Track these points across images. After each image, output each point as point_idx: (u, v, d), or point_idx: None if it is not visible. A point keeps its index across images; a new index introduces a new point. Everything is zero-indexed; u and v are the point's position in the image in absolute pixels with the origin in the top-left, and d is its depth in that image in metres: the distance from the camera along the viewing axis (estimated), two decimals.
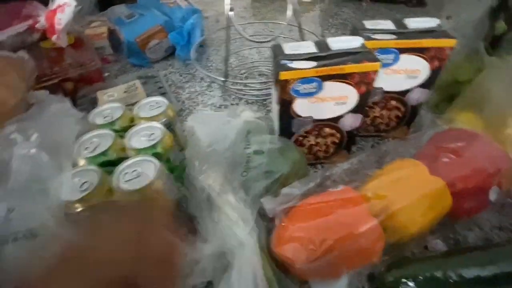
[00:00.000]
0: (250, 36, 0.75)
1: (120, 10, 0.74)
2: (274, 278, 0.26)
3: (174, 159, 0.37)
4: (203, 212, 0.28)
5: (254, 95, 0.61)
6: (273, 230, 0.29)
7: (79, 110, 0.52)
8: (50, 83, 0.55)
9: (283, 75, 0.31)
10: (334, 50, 0.33)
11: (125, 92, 0.56)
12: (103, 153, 0.33)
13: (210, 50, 0.73)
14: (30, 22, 0.61)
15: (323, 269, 0.26)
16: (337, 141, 0.40)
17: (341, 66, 0.31)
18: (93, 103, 0.53)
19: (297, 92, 0.33)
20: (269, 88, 0.62)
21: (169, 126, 0.38)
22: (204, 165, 0.29)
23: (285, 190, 0.32)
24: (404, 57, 0.37)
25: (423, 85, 0.40)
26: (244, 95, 0.61)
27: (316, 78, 0.32)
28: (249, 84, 0.63)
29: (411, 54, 0.37)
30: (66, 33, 0.60)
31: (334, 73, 0.32)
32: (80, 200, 0.29)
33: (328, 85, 0.33)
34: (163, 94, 0.55)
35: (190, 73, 0.69)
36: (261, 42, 0.65)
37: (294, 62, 0.32)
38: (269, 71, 0.68)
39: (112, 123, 0.37)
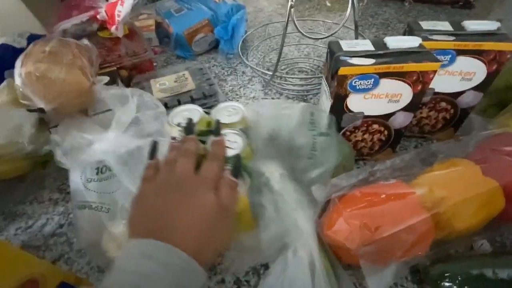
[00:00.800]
0: (292, 33, 0.76)
1: (169, 4, 0.78)
2: (329, 264, 0.28)
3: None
4: (264, 198, 0.30)
5: (295, 90, 0.62)
6: (324, 215, 0.31)
7: None
8: (108, 70, 0.60)
9: (343, 70, 0.33)
10: (392, 49, 0.34)
11: (175, 81, 0.59)
12: None
13: (251, 46, 0.76)
14: (91, 13, 0.67)
15: (373, 255, 0.27)
16: (383, 138, 0.41)
17: (401, 65, 0.32)
18: (147, 90, 0.58)
19: (353, 87, 0.34)
20: (310, 84, 0.63)
21: (245, 132, 0.37)
22: (266, 150, 0.31)
23: (334, 181, 0.34)
24: (461, 59, 0.37)
25: (477, 88, 0.40)
26: (285, 90, 0.62)
27: (373, 75, 0.33)
28: (290, 79, 0.65)
29: (469, 56, 0.37)
30: (123, 25, 0.65)
31: (393, 71, 0.33)
32: None
33: (384, 82, 0.34)
34: (210, 85, 0.58)
35: (232, 67, 0.72)
36: (317, 39, 0.65)
37: (353, 58, 0.33)
38: (309, 68, 0.69)
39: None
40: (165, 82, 0.59)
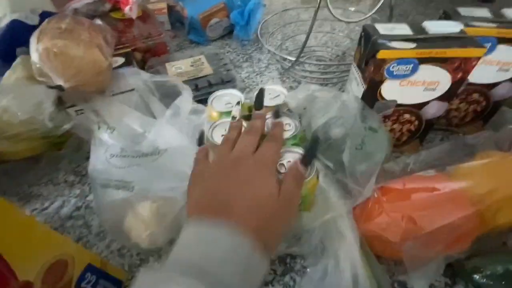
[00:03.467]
0: (306, 21, 0.74)
1: None
2: (370, 271, 0.26)
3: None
4: None
5: (314, 78, 0.60)
6: (361, 207, 0.30)
7: None
8: (123, 51, 0.58)
9: (382, 54, 0.31)
10: (432, 34, 0.33)
11: (191, 65, 0.58)
12: None
13: (266, 33, 0.74)
14: None
15: (415, 249, 0.26)
16: (413, 129, 0.40)
17: (444, 50, 0.30)
18: (162, 74, 0.56)
19: (390, 73, 0.32)
20: (330, 72, 0.61)
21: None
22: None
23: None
24: (501, 47, 0.35)
25: None
26: (304, 78, 0.61)
27: (413, 60, 0.31)
28: (309, 67, 0.63)
29: (510, 45, 0.35)
30: (137, 6, 0.63)
31: (435, 56, 0.31)
32: None
33: (423, 68, 0.32)
34: (228, 71, 0.56)
35: (247, 53, 0.70)
36: (350, 22, 0.63)
37: (393, 42, 0.31)
38: (327, 57, 0.67)
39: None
40: (181, 66, 0.57)
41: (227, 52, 0.71)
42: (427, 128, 0.40)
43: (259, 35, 0.64)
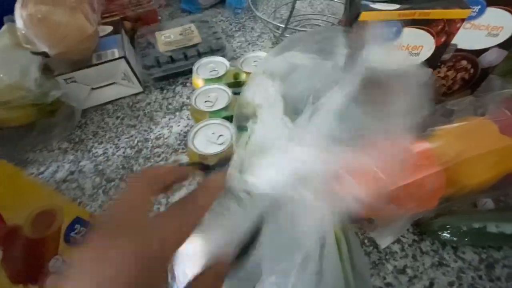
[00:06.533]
0: None
1: None
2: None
3: None
4: None
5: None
6: None
7: (140, 49, 0.54)
8: (110, 20, 0.57)
9: (364, 16, 0.30)
10: None
11: (180, 34, 0.57)
12: (224, 108, 0.35)
13: (260, 0, 0.71)
14: None
15: (386, 206, 0.28)
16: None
17: (427, 11, 0.30)
18: (151, 43, 0.55)
19: (373, 36, 0.32)
20: None
21: None
22: None
23: None
24: (490, 10, 0.34)
25: (502, 45, 0.37)
26: None
27: (396, 22, 0.31)
28: None
29: (500, 8, 0.34)
30: None
31: (418, 18, 0.30)
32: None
33: (407, 32, 0.32)
34: (217, 39, 0.55)
35: (240, 22, 0.68)
36: None
37: (376, 3, 0.31)
38: (323, 25, 0.65)
39: (219, 78, 0.39)
40: (170, 35, 0.56)
41: (220, 21, 0.69)
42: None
43: (250, 3, 0.62)
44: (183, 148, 0.43)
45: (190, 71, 0.54)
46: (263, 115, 0.23)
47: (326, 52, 0.32)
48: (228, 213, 0.19)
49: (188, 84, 0.54)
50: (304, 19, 0.67)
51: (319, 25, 0.65)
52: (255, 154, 0.21)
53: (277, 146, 0.21)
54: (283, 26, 0.53)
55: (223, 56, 0.53)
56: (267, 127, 0.22)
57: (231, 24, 0.68)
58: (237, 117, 0.27)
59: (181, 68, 0.52)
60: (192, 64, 0.52)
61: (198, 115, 0.36)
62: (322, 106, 0.23)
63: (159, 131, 0.46)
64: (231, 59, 0.58)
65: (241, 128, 0.26)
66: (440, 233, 0.31)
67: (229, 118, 0.34)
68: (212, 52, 0.53)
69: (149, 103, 0.50)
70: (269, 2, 0.72)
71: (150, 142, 0.44)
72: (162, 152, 0.42)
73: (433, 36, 0.32)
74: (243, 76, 0.41)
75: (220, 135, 0.32)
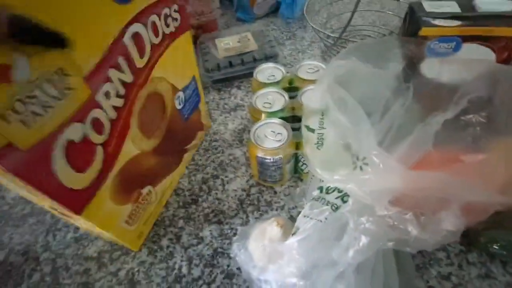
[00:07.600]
0: None
1: None
2: None
3: None
4: None
5: None
6: None
7: (202, 54, 0.61)
8: None
9: (425, 31, 0.32)
10: (480, 12, 0.33)
11: (238, 42, 0.62)
12: (281, 110, 0.39)
13: (311, 11, 0.74)
14: None
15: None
16: None
17: (490, 28, 0.31)
18: (212, 49, 0.61)
19: (431, 50, 0.34)
20: None
21: None
22: None
23: None
24: None
25: None
26: None
27: (456, 37, 0.32)
28: None
29: None
30: None
31: (479, 34, 0.31)
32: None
33: (467, 46, 0.33)
34: (272, 47, 0.60)
35: (291, 31, 0.72)
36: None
37: (437, 20, 0.32)
38: (374, 37, 0.66)
39: (277, 83, 0.44)
40: (229, 42, 0.62)
41: (272, 30, 0.74)
42: None
43: (304, 13, 0.66)
44: (237, 144, 0.47)
45: (244, 75, 0.59)
46: (339, 118, 0.26)
47: (382, 61, 0.34)
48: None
49: (242, 87, 0.59)
50: (355, 30, 0.69)
51: (370, 36, 0.66)
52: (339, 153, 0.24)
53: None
54: (333, 35, 0.56)
55: (276, 62, 0.58)
56: (350, 131, 0.25)
57: (282, 33, 0.72)
58: (305, 119, 0.30)
59: (238, 72, 0.57)
60: (248, 69, 0.57)
61: (257, 115, 0.40)
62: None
63: (216, 127, 0.51)
64: (283, 65, 0.62)
65: (308, 129, 0.29)
66: (489, 245, 0.31)
67: (284, 119, 0.38)
68: (267, 58, 0.58)
69: (207, 102, 0.56)
70: (320, 12, 0.75)
71: (208, 136, 0.50)
72: (219, 146, 0.48)
73: (494, 52, 0.33)
74: (297, 82, 0.44)
75: (279, 133, 0.35)
